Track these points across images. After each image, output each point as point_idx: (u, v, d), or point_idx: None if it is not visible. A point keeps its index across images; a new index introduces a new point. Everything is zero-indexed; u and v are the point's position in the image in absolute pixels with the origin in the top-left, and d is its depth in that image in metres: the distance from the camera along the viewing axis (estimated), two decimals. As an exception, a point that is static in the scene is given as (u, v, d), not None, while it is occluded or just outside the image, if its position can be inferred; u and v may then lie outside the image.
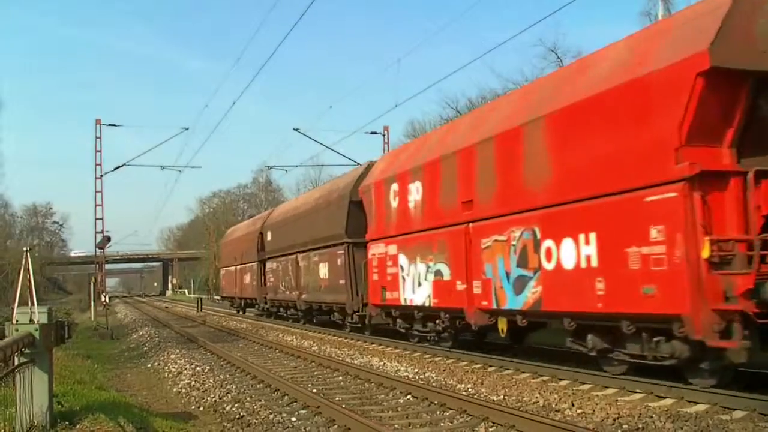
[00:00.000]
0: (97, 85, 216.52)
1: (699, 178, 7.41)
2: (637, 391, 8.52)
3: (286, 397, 9.43)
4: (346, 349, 15.48)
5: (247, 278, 30.21)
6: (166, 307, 50.33)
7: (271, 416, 8.21)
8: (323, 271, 19.56)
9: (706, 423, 6.88)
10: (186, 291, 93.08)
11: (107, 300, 39.21)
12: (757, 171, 7.44)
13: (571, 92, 9.42)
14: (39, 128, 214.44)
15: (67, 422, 6.76)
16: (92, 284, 33.96)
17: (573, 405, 8.03)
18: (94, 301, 32.43)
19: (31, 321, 6.44)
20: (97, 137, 35.74)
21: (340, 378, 11.21)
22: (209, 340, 18.65)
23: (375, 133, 35.32)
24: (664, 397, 8.07)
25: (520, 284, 10.20)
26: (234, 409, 8.83)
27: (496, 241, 10.82)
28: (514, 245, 10.35)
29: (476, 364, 11.77)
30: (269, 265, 26.49)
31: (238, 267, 31.96)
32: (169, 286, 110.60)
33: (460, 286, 11.81)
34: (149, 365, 14.54)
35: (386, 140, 35.82)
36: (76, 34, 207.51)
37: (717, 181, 7.55)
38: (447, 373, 11.13)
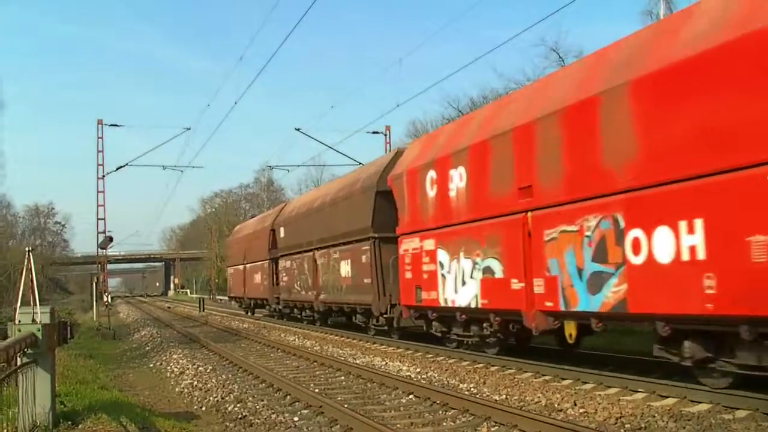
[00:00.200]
0: (98, 85, 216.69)
1: None
2: (640, 390, 8.50)
3: (288, 396, 9.43)
4: (348, 348, 15.48)
5: (257, 277, 28.90)
6: (168, 308, 50.38)
7: (274, 416, 8.21)
8: (345, 269, 18.15)
9: (709, 422, 6.86)
10: (188, 291, 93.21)
11: (109, 300, 39.25)
12: None
13: (664, 53, 7.94)
14: (40, 128, 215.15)
15: (69, 422, 6.77)
16: (94, 284, 34.00)
17: (575, 404, 8.02)
18: (96, 302, 32.47)
19: (34, 321, 6.45)
20: (98, 137, 35.77)
21: (342, 378, 11.21)
22: (211, 340, 18.67)
23: (377, 132, 35.34)
24: (667, 397, 8.05)
25: (596, 282, 8.73)
26: (236, 409, 8.83)
27: (563, 232, 9.36)
28: (588, 236, 8.87)
29: (478, 363, 11.76)
30: (282, 263, 25.03)
31: (248, 266, 30.72)
32: (171, 286, 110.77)
33: (516, 284, 10.34)
34: (151, 365, 14.56)
35: (388, 140, 35.82)
36: (76, 33, 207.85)
37: None
38: (449, 372, 11.13)
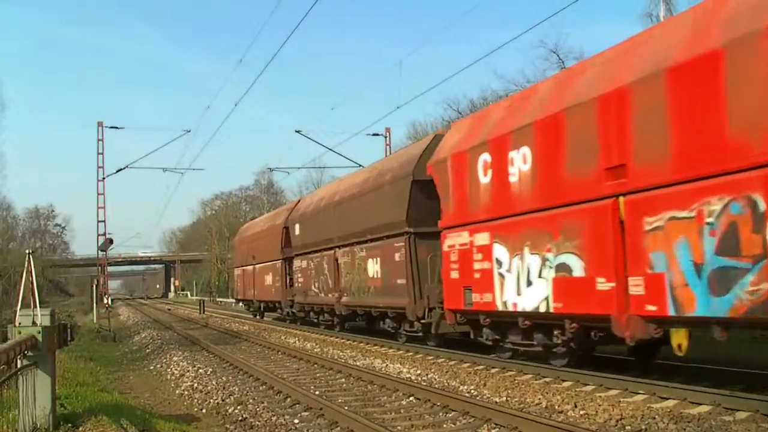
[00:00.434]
0: (98, 87, 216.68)
1: None
2: (640, 392, 8.50)
3: (288, 399, 9.43)
4: (348, 350, 15.47)
5: (268, 279, 27.07)
6: (169, 310, 50.38)
7: (274, 418, 8.21)
8: (373, 268, 16.37)
9: (709, 424, 6.86)
10: (188, 293, 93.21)
11: (110, 302, 39.25)
12: None
13: None
14: (40, 130, 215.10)
15: (69, 424, 6.76)
16: (95, 287, 34.00)
17: (576, 406, 8.02)
18: (96, 304, 32.47)
19: (34, 323, 6.45)
20: (99, 140, 35.84)
21: (343, 380, 11.21)
22: (212, 342, 18.68)
23: (377, 134, 35.39)
24: (667, 398, 8.05)
25: (723, 280, 7.12)
26: (237, 411, 8.83)
27: (673, 219, 7.69)
28: (710, 224, 7.24)
29: (479, 365, 11.74)
30: (297, 263, 23.28)
31: (257, 266, 28.93)
32: (172, 288, 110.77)
33: (604, 284, 8.65)
34: (152, 367, 14.55)
35: (388, 142, 35.87)
36: (76, 34, 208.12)
37: None
38: (450, 374, 11.12)
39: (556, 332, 9.99)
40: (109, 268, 55.61)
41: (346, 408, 8.26)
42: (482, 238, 11.36)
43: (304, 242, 22.29)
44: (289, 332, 21.84)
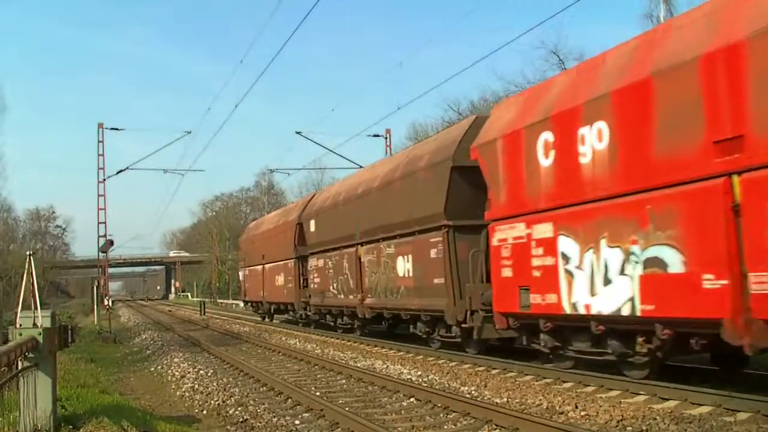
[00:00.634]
0: (98, 88, 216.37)
1: None
2: (641, 393, 8.49)
3: (289, 400, 9.43)
4: (349, 352, 15.47)
5: (280, 279, 25.25)
6: (169, 311, 50.40)
7: (275, 419, 8.21)
8: (404, 266, 14.71)
9: (710, 425, 6.86)
10: (189, 294, 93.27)
11: (110, 304, 39.25)
12: None
13: None
14: (41, 131, 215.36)
15: (70, 426, 6.76)
16: (95, 288, 34.02)
17: (577, 407, 8.02)
18: (97, 305, 32.48)
19: (35, 325, 6.45)
20: (99, 141, 35.94)
21: (344, 381, 11.21)
22: (212, 344, 18.69)
23: (377, 136, 35.46)
24: (668, 399, 8.04)
25: None
26: (237, 412, 8.84)
27: None
28: None
29: (479, 366, 11.74)
30: (313, 262, 21.36)
31: (267, 266, 27.07)
32: (172, 289, 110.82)
33: (713, 282, 7.24)
34: (152, 369, 14.55)
35: (388, 143, 35.94)
36: (76, 35, 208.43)
37: None
38: (450, 375, 11.12)
39: (639, 339, 8.61)
40: (110, 270, 55.62)
41: (347, 409, 8.25)
42: (543, 230, 9.91)
43: (321, 239, 20.48)
44: (290, 333, 21.84)
